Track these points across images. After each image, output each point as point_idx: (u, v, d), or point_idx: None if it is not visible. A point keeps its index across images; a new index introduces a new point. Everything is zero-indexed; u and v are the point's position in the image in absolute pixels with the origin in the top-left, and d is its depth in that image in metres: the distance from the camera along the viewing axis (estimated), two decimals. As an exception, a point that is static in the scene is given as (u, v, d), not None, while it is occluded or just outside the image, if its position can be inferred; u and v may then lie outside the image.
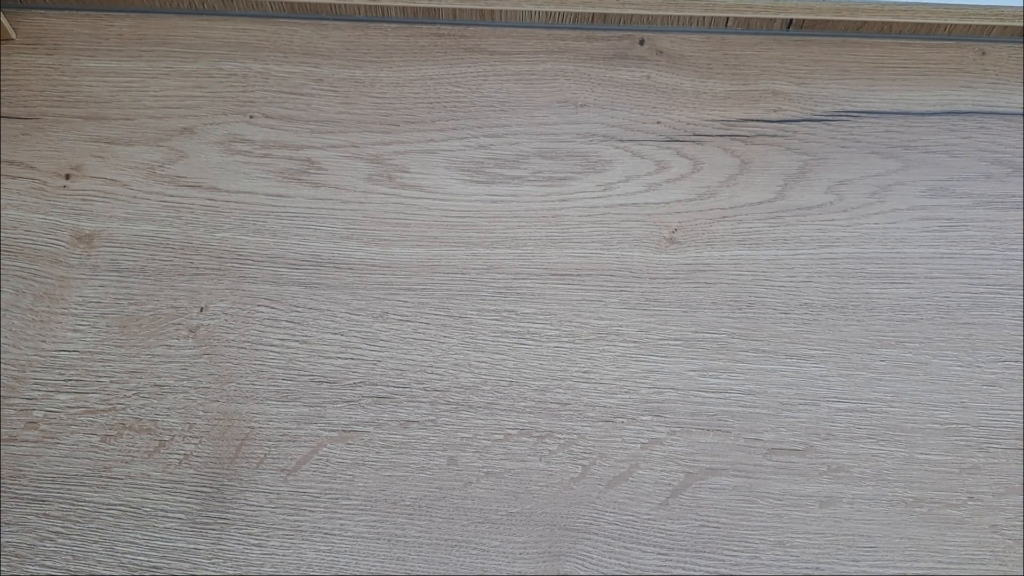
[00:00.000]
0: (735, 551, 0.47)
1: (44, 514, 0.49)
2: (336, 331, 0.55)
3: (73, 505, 0.49)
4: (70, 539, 0.48)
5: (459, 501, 0.49)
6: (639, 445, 0.51)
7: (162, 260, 0.57)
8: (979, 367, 0.53)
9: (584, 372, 0.53)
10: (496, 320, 0.55)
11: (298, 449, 0.51)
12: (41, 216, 0.59)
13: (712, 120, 0.62)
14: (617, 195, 0.59)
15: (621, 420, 0.51)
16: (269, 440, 0.51)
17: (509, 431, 0.51)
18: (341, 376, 0.53)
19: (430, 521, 0.48)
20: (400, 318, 0.55)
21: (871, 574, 0.47)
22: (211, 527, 0.48)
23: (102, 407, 0.52)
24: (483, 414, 0.52)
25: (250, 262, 0.57)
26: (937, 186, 0.60)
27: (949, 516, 0.48)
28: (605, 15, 0.66)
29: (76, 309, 0.55)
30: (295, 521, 0.48)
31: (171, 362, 0.54)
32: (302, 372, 0.53)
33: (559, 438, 0.51)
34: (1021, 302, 0.55)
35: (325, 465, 0.50)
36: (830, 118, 0.62)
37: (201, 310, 0.55)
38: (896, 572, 0.47)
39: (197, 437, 0.51)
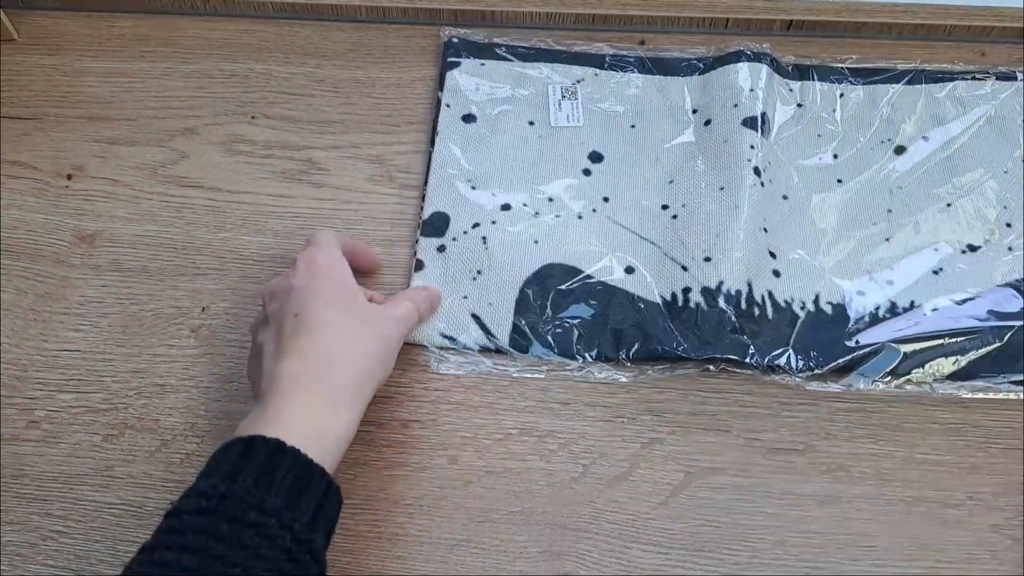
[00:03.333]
0: (735, 550, 0.48)
1: (46, 513, 0.49)
2: (337, 331, 0.54)
3: (75, 504, 0.49)
4: (72, 538, 0.48)
5: (459, 500, 0.49)
6: (639, 445, 0.51)
7: (164, 260, 0.57)
8: (979, 367, 0.53)
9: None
10: (497, 320, 0.55)
11: (299, 448, 0.51)
12: (43, 216, 0.59)
13: (712, 121, 0.62)
14: (617, 195, 0.59)
15: (621, 420, 0.51)
16: (270, 439, 0.51)
17: (510, 430, 0.51)
18: (342, 376, 0.53)
19: (430, 520, 0.49)
20: (401, 318, 0.55)
21: (871, 573, 0.47)
22: (212, 526, 0.48)
23: (104, 407, 0.52)
24: (484, 414, 0.52)
25: (252, 262, 0.57)
26: (937, 187, 0.60)
27: (949, 516, 0.48)
28: (606, 16, 0.66)
29: (78, 309, 0.55)
30: (296, 520, 0.48)
31: (173, 362, 0.54)
32: (303, 372, 0.53)
33: (559, 437, 0.51)
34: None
35: (326, 464, 0.50)
36: (830, 119, 0.62)
37: (203, 310, 0.55)
38: (896, 571, 0.47)
39: (199, 437, 0.51)
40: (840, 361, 0.52)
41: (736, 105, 0.60)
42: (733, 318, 0.52)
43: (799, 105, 0.62)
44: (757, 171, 0.57)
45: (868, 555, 0.47)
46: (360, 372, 0.45)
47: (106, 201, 0.59)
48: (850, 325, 0.53)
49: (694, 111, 0.61)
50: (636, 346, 0.52)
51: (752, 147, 0.58)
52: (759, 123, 0.59)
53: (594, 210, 0.58)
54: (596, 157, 0.60)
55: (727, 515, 0.48)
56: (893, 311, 0.54)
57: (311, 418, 0.42)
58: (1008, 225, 0.57)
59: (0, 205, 0.59)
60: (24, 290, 0.56)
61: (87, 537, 0.48)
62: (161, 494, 0.49)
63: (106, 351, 0.53)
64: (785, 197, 0.58)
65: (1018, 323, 0.52)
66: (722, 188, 0.57)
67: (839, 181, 0.59)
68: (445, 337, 0.54)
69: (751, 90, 0.60)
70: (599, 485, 0.49)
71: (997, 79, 0.62)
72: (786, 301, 0.54)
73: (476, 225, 0.57)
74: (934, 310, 0.53)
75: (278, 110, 0.63)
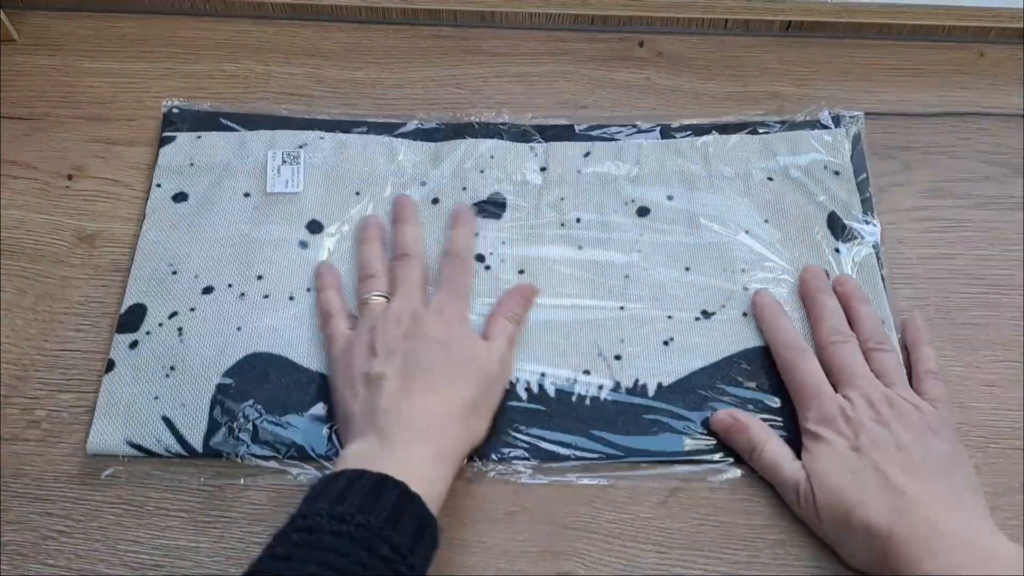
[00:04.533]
0: (734, 550, 0.48)
1: (46, 513, 0.49)
2: (337, 331, 0.54)
3: (75, 504, 0.49)
4: (72, 538, 0.48)
5: (459, 499, 0.49)
6: (639, 444, 0.51)
7: (164, 260, 0.57)
8: (978, 367, 0.53)
9: (584, 372, 0.53)
10: (497, 320, 0.55)
11: (299, 448, 0.51)
12: (43, 216, 0.59)
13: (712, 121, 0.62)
14: (617, 196, 0.59)
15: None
16: (270, 439, 0.51)
17: (509, 430, 0.51)
18: (342, 376, 0.53)
19: (431, 520, 0.48)
20: (401, 318, 0.55)
21: (869, 574, 0.47)
22: (213, 525, 0.48)
23: (104, 406, 0.52)
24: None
25: (252, 262, 0.57)
26: (936, 187, 0.60)
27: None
28: (605, 17, 0.66)
29: (78, 309, 0.55)
30: (296, 520, 0.48)
31: (173, 361, 0.54)
32: (303, 371, 0.53)
33: (559, 437, 0.51)
34: (1020, 303, 0.55)
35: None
36: (829, 119, 0.62)
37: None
38: (895, 571, 0.47)
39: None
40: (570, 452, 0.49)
41: (465, 188, 0.57)
42: None
43: (543, 168, 0.58)
44: (480, 258, 0.55)
45: (867, 554, 0.47)
46: (468, 436, 0.47)
47: (106, 201, 0.59)
48: (572, 408, 0.50)
49: (423, 183, 0.58)
50: (331, 445, 0.49)
51: (476, 235, 0.55)
52: (491, 205, 0.57)
53: (308, 289, 0.54)
54: (316, 227, 0.56)
55: (726, 515, 0.48)
56: (616, 390, 0.51)
57: (434, 478, 0.44)
58: (745, 289, 0.54)
59: (0, 205, 0.59)
60: (24, 290, 0.56)
61: (87, 537, 0.48)
62: (161, 493, 0.49)
63: (107, 351, 0.53)
64: (521, 272, 0.55)
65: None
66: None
67: (579, 247, 0.56)
68: (132, 446, 0.49)
69: (481, 171, 0.58)
70: (598, 484, 0.49)
71: (746, 133, 0.60)
72: (510, 382, 0.51)
73: (173, 315, 0.52)
74: (659, 386, 0.51)
75: (279, 111, 0.63)
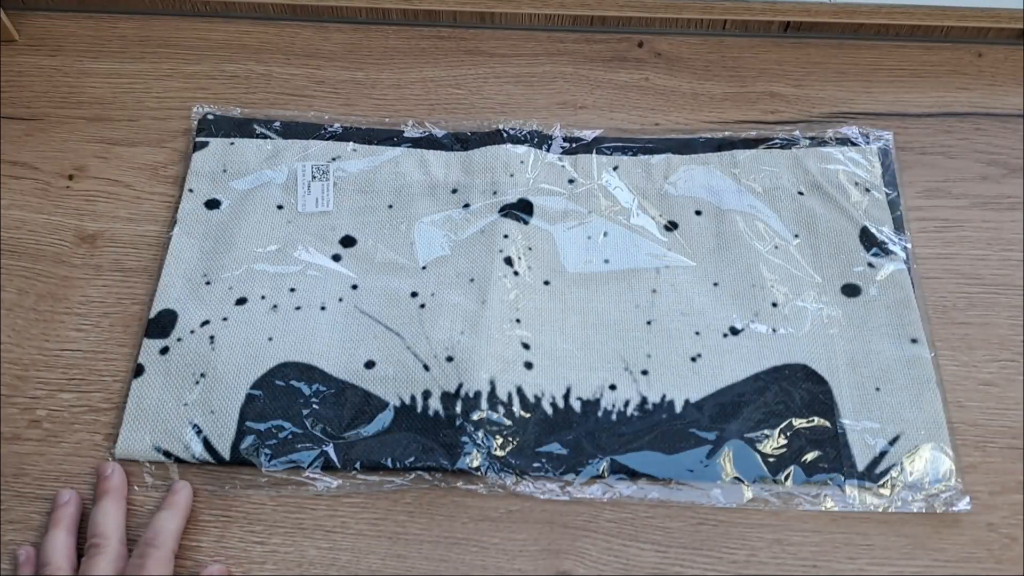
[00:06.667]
0: (733, 548, 0.48)
1: (47, 513, 0.49)
2: (337, 331, 0.55)
3: (76, 503, 0.49)
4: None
5: (459, 499, 0.49)
6: (638, 444, 0.51)
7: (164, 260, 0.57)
8: (976, 367, 0.53)
9: (583, 371, 0.53)
10: (496, 320, 0.55)
11: (299, 448, 0.51)
12: (44, 216, 0.59)
13: (709, 122, 0.62)
14: (616, 196, 0.59)
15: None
16: (271, 439, 0.51)
17: (509, 430, 0.51)
18: (342, 375, 0.53)
19: (431, 519, 0.49)
20: (401, 318, 0.55)
21: (868, 573, 0.47)
22: (213, 524, 0.48)
23: (106, 406, 0.52)
24: (483, 413, 0.52)
25: (252, 262, 0.57)
26: (933, 187, 0.60)
27: (946, 514, 0.49)
28: (604, 18, 0.66)
29: (79, 309, 0.55)
30: (297, 518, 0.49)
31: (173, 361, 0.54)
32: (303, 371, 0.53)
33: (559, 437, 0.51)
34: (1018, 302, 0.55)
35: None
36: (827, 120, 0.62)
37: (203, 310, 0.55)
38: (893, 571, 0.47)
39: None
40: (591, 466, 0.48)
41: (495, 192, 0.57)
42: (467, 425, 0.49)
43: (571, 181, 0.58)
44: (509, 261, 0.54)
45: (865, 554, 0.48)
46: None
47: (107, 201, 0.59)
48: (595, 423, 0.50)
49: (454, 191, 0.58)
50: (363, 458, 0.49)
51: (506, 236, 0.55)
52: (519, 210, 0.56)
53: (340, 299, 0.54)
54: (348, 241, 0.56)
55: (725, 513, 0.49)
56: (643, 407, 0.50)
57: None
58: (774, 305, 0.54)
59: (1, 205, 0.59)
60: (25, 290, 0.56)
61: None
62: (162, 493, 0.49)
63: (108, 351, 0.54)
64: (547, 283, 0.54)
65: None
66: (472, 280, 0.54)
67: (606, 261, 0.55)
68: (159, 451, 0.49)
69: (511, 175, 0.58)
70: (598, 483, 0.50)
71: (779, 147, 0.59)
72: (536, 396, 0.50)
73: (206, 323, 0.53)
74: (687, 403, 0.50)
75: (279, 111, 0.63)
